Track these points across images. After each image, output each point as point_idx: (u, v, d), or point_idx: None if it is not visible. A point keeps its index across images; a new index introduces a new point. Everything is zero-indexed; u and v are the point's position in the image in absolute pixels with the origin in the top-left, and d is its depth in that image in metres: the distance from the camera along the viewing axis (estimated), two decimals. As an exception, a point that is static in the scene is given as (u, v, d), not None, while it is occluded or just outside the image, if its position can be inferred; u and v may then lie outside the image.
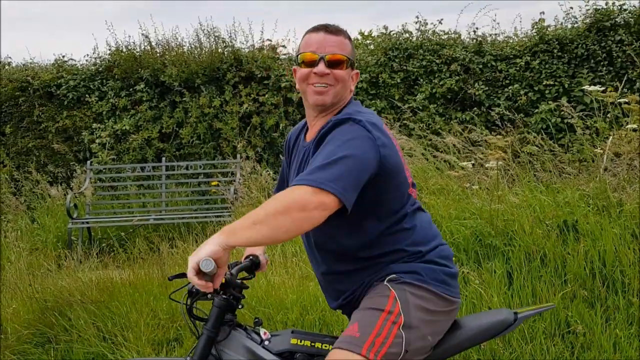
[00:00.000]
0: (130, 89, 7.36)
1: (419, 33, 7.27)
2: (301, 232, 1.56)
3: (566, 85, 6.63)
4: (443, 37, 7.26)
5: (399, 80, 6.99)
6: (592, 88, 4.58)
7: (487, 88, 6.82)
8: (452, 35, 7.32)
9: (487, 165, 4.36)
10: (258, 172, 6.12)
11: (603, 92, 4.55)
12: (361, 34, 7.98)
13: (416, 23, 7.31)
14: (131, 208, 6.52)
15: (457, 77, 6.86)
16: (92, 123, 7.39)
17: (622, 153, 4.19)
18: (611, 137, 4.33)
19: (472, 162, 4.76)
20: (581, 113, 5.38)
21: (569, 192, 3.93)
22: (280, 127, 7.00)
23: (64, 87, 7.48)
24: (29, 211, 6.73)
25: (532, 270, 3.34)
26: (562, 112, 5.84)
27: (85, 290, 3.81)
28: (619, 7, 6.74)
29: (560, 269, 3.33)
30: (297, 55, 1.84)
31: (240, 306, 1.80)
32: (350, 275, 1.81)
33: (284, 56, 7.35)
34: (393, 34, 7.32)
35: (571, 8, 8.65)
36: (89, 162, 6.75)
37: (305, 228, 1.53)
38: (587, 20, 6.81)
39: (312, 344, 1.82)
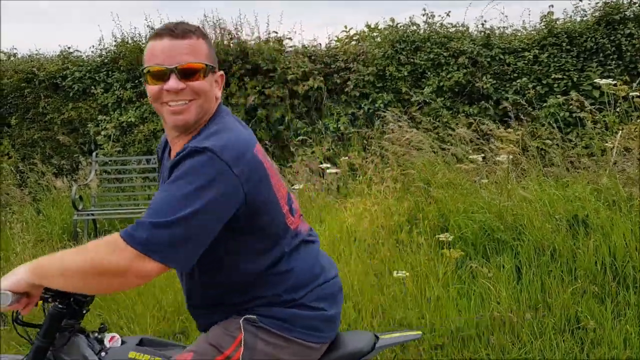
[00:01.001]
0: (136, 81, 7.32)
1: (427, 26, 7.22)
2: (117, 291, 1.45)
3: (575, 79, 6.56)
4: (451, 30, 7.20)
5: (406, 73, 6.93)
6: (603, 81, 4.52)
7: (495, 81, 6.76)
8: (460, 28, 7.25)
9: (497, 159, 4.33)
10: (264, 164, 6.08)
11: (614, 85, 4.51)
12: (368, 26, 7.91)
13: (423, 15, 7.27)
14: (136, 200, 6.51)
15: (465, 70, 6.80)
16: (97, 115, 7.37)
17: (632, 147, 4.16)
18: (621, 131, 4.29)
19: (482, 155, 4.72)
20: (590, 107, 5.33)
21: (579, 187, 3.89)
22: (286, 120, 6.95)
23: (69, 78, 7.46)
24: (34, 203, 6.72)
25: (541, 265, 3.32)
26: (571, 106, 5.79)
27: (91, 282, 3.80)
28: (629, 1, 6.67)
29: (570, 264, 3.30)
30: (142, 70, 1.53)
31: (85, 311, 1.65)
32: (221, 316, 1.64)
33: (290, 48, 7.30)
34: (400, 27, 7.26)
35: (580, 1, 8.61)
36: (94, 154, 6.73)
37: (122, 290, 1.43)
38: (597, 14, 6.74)
39: (152, 358, 1.66)
